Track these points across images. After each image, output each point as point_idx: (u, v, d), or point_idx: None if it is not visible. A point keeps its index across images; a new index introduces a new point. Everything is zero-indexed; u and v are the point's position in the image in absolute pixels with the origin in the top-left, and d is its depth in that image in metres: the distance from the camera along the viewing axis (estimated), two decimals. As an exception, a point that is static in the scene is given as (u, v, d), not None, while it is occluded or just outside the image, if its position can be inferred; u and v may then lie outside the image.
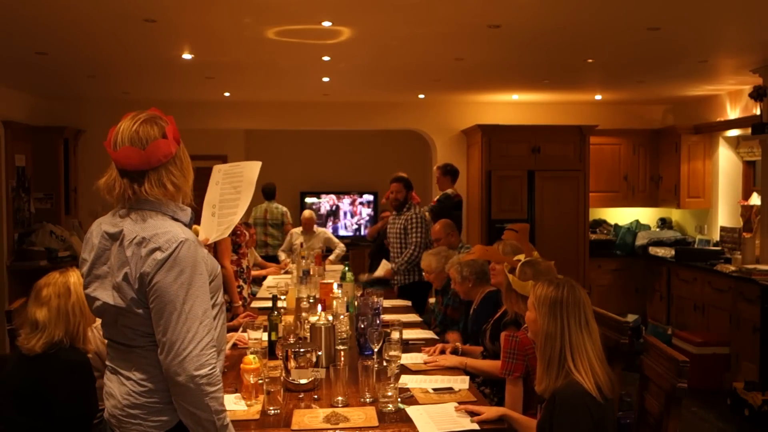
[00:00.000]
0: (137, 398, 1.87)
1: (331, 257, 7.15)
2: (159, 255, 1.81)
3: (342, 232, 9.92)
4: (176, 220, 1.92)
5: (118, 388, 1.91)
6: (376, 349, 2.98)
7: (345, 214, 10.11)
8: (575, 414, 2.07)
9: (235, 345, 3.43)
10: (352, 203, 10.08)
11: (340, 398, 2.65)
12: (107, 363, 1.99)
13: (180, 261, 1.82)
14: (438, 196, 6.49)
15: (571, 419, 2.07)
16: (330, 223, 9.86)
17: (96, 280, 1.94)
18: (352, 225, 10.09)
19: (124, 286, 1.85)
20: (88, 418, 2.57)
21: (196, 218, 2.10)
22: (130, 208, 1.92)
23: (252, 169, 2.39)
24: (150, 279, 1.81)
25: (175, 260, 1.81)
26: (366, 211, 10.10)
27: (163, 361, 1.81)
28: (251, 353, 2.87)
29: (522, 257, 3.04)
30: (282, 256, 7.32)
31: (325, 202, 10.01)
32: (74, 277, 2.72)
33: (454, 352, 3.39)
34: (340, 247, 7.41)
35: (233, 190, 2.38)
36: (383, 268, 5.79)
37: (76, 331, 2.62)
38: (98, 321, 2.66)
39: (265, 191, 7.98)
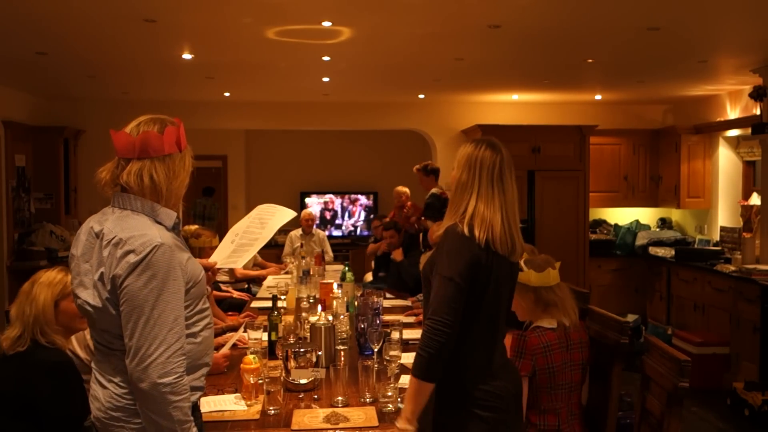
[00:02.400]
0: (119, 401, 1.85)
1: None
2: (132, 258, 1.79)
3: (336, 233, 9.89)
4: (159, 223, 1.90)
5: (102, 391, 1.90)
6: (376, 349, 2.98)
7: (340, 215, 10.09)
8: (455, 241, 2.10)
9: (235, 345, 3.43)
10: (352, 203, 10.06)
11: (340, 398, 2.65)
12: (92, 366, 1.98)
13: (152, 265, 1.79)
14: (427, 198, 6.47)
15: (449, 243, 2.11)
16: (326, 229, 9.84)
17: (78, 276, 1.92)
18: (348, 227, 10.06)
19: (99, 286, 1.84)
20: (77, 420, 2.55)
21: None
22: (117, 206, 1.92)
23: (283, 215, 2.46)
24: (121, 282, 1.79)
25: (148, 264, 1.79)
26: (363, 214, 10.07)
27: (128, 365, 1.78)
28: (251, 353, 2.87)
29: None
30: (288, 259, 7.32)
31: (316, 204, 9.96)
32: (43, 277, 2.67)
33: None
34: (329, 255, 7.48)
35: (260, 225, 2.41)
36: None
37: (32, 330, 2.54)
38: None
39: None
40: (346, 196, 10.08)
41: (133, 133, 1.91)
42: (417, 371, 2.06)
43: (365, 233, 9.99)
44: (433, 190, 6.43)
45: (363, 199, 10.10)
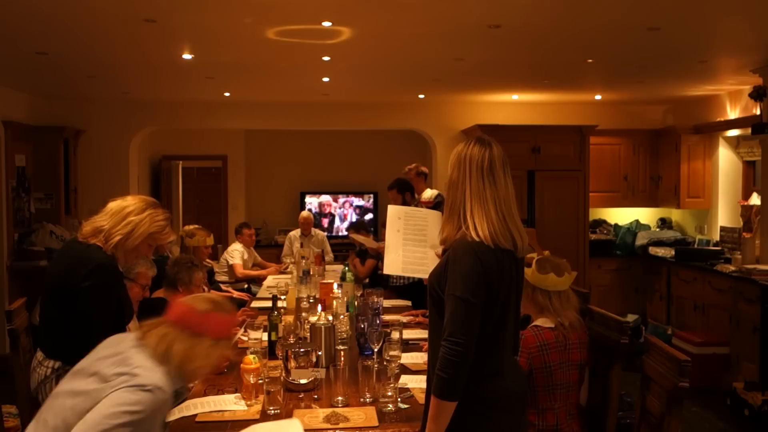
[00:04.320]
0: None
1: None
2: (125, 382, 1.85)
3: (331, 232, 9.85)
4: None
5: None
6: (376, 349, 2.98)
7: (336, 216, 10.04)
8: (465, 258, 2.09)
9: (235, 345, 3.43)
10: (342, 205, 10.00)
11: (340, 398, 2.65)
12: None
13: (126, 408, 1.82)
14: (435, 198, 6.42)
15: (461, 263, 2.09)
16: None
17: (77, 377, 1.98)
18: (341, 231, 10.00)
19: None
20: (105, 321, 2.64)
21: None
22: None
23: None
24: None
25: (126, 399, 1.82)
26: (355, 216, 10.01)
27: None
28: (251, 353, 2.87)
29: (535, 256, 3.06)
30: (287, 259, 7.33)
31: (315, 205, 9.91)
32: (155, 214, 2.79)
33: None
34: (330, 256, 7.49)
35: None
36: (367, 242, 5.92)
37: (111, 236, 2.68)
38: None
39: None
40: (343, 198, 10.03)
41: (193, 304, 2.03)
42: (437, 392, 2.06)
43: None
44: (436, 191, 6.40)
45: (356, 201, 10.03)
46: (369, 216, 9.88)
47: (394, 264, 2.46)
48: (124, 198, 2.81)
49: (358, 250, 6.80)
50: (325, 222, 9.87)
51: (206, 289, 4.79)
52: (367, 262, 6.55)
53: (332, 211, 10.04)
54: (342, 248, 9.16)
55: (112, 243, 2.67)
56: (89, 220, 2.76)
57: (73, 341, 2.27)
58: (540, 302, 2.89)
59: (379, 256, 6.62)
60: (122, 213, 2.71)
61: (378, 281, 5.93)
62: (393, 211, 2.59)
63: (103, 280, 2.62)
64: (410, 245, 2.47)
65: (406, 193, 5.75)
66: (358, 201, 10.08)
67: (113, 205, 2.76)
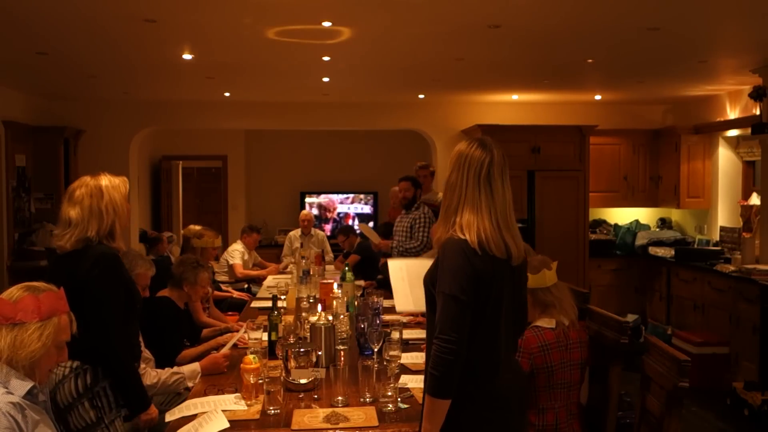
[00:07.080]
0: None
1: None
2: None
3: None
4: (7, 389, 1.91)
5: None
6: (376, 349, 2.98)
7: (338, 222, 10.01)
8: (453, 255, 2.08)
9: (235, 345, 3.44)
10: (342, 220, 9.97)
11: (340, 398, 2.66)
12: None
13: None
14: (439, 199, 6.43)
15: (449, 260, 2.09)
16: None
17: None
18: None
19: None
20: (116, 307, 2.66)
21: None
22: None
23: None
24: None
25: None
26: (365, 210, 10.01)
27: None
28: (251, 353, 2.87)
29: None
30: (286, 259, 7.34)
31: (314, 206, 9.88)
32: (105, 181, 2.83)
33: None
34: (329, 255, 7.49)
35: None
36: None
37: (107, 229, 2.74)
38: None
39: None
40: (347, 198, 10.03)
41: (2, 296, 1.98)
42: (430, 390, 2.06)
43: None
44: (439, 193, 6.43)
45: (360, 208, 10.02)
46: (370, 224, 9.81)
47: (405, 303, 2.63)
48: (71, 203, 2.83)
49: (345, 252, 6.86)
50: (326, 227, 9.82)
51: (210, 289, 4.80)
52: (350, 257, 6.66)
53: (334, 215, 10.04)
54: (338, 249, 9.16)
55: (108, 234, 2.71)
56: (62, 233, 2.77)
57: (88, 336, 2.26)
58: (544, 300, 2.90)
59: (362, 252, 6.68)
60: (95, 210, 2.74)
61: (379, 282, 5.94)
62: (394, 265, 2.80)
63: (109, 266, 2.66)
64: (417, 288, 2.62)
65: (417, 190, 5.82)
66: (362, 206, 10.04)
67: (73, 213, 2.78)
